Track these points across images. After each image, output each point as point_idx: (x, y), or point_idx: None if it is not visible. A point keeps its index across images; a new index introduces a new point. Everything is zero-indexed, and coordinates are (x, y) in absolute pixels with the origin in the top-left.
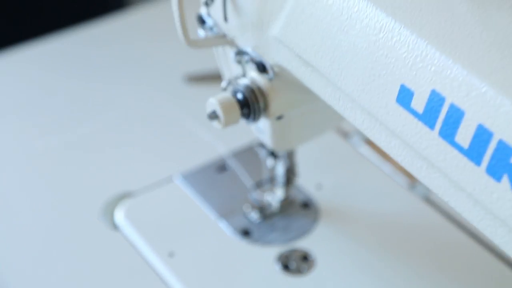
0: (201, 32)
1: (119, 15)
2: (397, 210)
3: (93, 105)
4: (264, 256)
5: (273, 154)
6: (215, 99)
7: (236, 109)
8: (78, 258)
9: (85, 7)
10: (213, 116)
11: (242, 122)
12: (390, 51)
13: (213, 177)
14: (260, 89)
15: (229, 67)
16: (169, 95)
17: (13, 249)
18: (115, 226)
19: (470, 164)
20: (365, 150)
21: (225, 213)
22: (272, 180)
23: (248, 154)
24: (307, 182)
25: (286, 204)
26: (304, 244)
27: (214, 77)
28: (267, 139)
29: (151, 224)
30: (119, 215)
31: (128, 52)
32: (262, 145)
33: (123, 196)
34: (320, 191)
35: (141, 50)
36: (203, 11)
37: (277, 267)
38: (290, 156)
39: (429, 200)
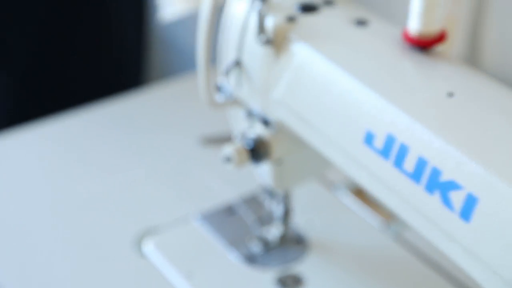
0: (219, 97)
1: (136, 93)
2: (373, 245)
3: (116, 167)
4: (265, 279)
5: (273, 195)
6: (230, 147)
7: (246, 154)
8: (109, 284)
9: (102, 86)
10: (228, 159)
11: (249, 173)
12: (356, 106)
13: (224, 217)
14: (264, 140)
15: (240, 123)
16: (187, 155)
17: (46, 277)
18: (142, 255)
19: (413, 184)
20: (349, 198)
21: (234, 245)
22: (272, 217)
23: (253, 198)
24: (301, 220)
25: (284, 238)
26: (298, 269)
27: (227, 139)
28: (269, 181)
29: (175, 253)
30: (147, 246)
31: (146, 126)
32: (264, 188)
33: (149, 231)
34: (310, 229)
35: (157, 122)
36: (221, 80)
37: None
38: (287, 197)
39: (401, 237)
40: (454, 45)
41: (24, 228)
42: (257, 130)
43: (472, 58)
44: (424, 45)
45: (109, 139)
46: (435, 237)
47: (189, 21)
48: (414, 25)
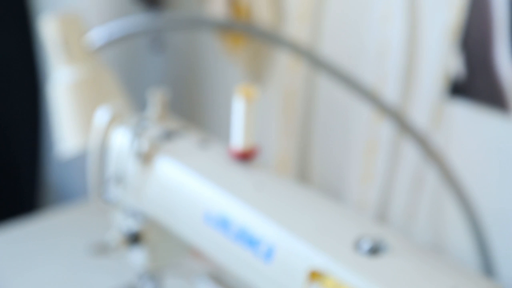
0: (105, 202)
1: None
2: None
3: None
4: None
5: (148, 278)
6: (110, 236)
7: (124, 242)
8: None
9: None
10: (106, 248)
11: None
12: (195, 196)
13: None
14: (137, 232)
15: (119, 221)
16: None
17: None
18: None
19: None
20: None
21: None
22: None
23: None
24: None
25: None
26: None
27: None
28: (142, 264)
29: None
30: None
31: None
32: (140, 274)
33: None
34: None
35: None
36: (106, 188)
37: None
38: (157, 279)
39: None
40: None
41: None
42: (131, 223)
43: (304, 175)
44: (241, 158)
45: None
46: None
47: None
48: (234, 144)
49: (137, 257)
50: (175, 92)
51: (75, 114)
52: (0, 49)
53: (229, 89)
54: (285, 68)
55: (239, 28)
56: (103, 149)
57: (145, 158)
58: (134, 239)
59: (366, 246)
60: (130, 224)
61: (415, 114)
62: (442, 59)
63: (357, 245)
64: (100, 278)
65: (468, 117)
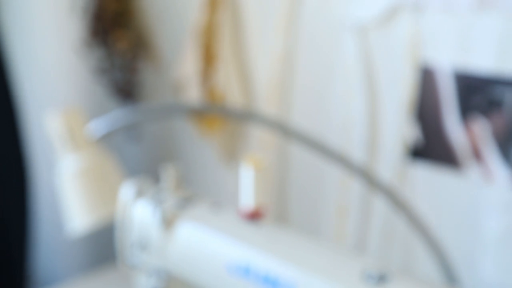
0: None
1: None
2: None
3: None
4: None
5: None
6: None
7: None
8: None
9: None
10: None
11: None
12: (217, 251)
13: None
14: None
15: (143, 282)
16: None
17: None
18: None
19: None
20: None
21: None
22: None
23: None
24: None
25: None
26: None
27: None
28: None
29: None
30: None
31: None
32: None
33: None
34: None
35: None
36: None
37: None
38: None
39: None
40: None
41: None
42: (155, 282)
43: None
44: (252, 217)
45: None
46: None
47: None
48: (244, 206)
49: None
50: (153, 178)
51: (83, 197)
52: None
53: (206, 169)
54: (259, 143)
55: (218, 110)
56: (128, 220)
57: (167, 223)
58: None
59: (374, 275)
60: (154, 283)
61: (381, 175)
62: (400, 128)
63: (366, 276)
64: None
65: (428, 175)
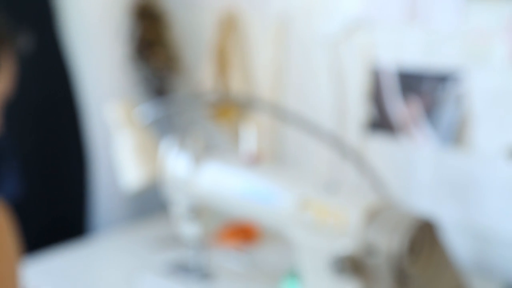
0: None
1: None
2: None
3: None
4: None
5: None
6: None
7: (186, 218)
8: None
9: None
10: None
11: None
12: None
13: None
14: (193, 211)
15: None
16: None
17: None
18: None
19: None
20: None
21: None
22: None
23: None
24: None
25: None
26: None
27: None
28: (196, 234)
29: None
30: None
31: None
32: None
33: None
34: None
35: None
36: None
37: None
38: (205, 246)
39: None
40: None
41: None
42: (188, 207)
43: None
44: (252, 161)
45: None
46: None
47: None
48: (248, 153)
49: (191, 231)
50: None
51: (134, 162)
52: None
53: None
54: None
55: (227, 98)
56: (167, 169)
57: (197, 160)
58: (191, 216)
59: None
60: (188, 213)
61: (350, 142)
62: (362, 109)
63: (325, 185)
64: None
65: (382, 141)
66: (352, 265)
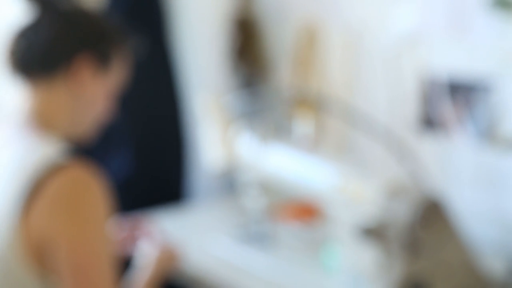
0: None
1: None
2: None
3: None
4: None
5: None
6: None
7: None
8: None
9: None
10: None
11: None
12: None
13: None
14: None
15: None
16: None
17: None
18: None
19: None
20: None
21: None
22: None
23: None
24: None
25: None
26: None
27: None
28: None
29: None
30: None
31: None
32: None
33: None
34: None
35: None
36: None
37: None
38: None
39: None
40: None
41: None
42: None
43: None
44: (310, 145)
45: None
46: None
47: None
48: (304, 139)
49: (252, 202)
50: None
51: (219, 149)
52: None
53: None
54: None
55: (303, 95)
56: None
57: (265, 141)
58: (259, 192)
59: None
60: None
61: (403, 138)
62: (416, 108)
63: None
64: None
65: (431, 140)
66: (375, 233)
